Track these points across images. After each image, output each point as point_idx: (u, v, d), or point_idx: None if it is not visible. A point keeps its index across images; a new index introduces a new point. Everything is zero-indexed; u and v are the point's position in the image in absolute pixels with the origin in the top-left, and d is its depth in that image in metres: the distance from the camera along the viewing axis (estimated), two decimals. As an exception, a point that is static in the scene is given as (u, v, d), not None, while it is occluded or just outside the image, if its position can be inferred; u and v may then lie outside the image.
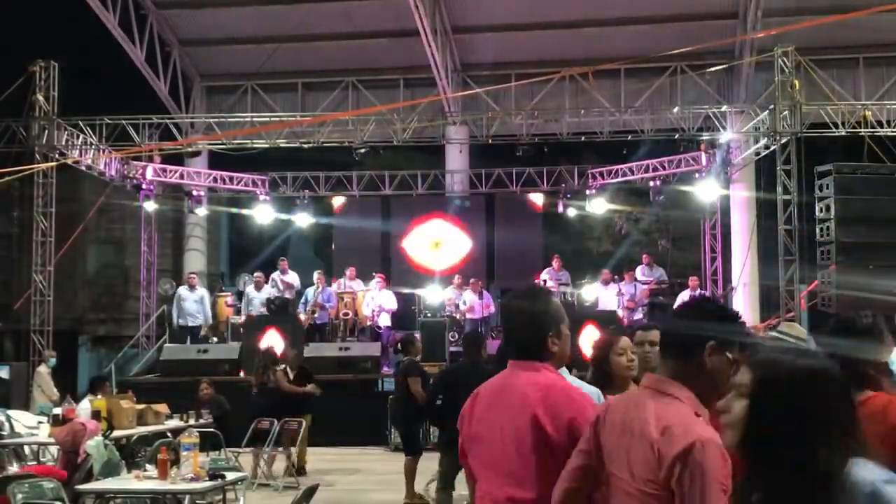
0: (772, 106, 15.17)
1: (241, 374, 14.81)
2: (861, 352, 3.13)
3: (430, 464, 9.21)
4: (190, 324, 16.78)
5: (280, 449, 10.92)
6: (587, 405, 2.80)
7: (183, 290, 16.95)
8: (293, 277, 17.08)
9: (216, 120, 17.77)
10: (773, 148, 15.24)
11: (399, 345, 11.23)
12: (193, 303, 16.80)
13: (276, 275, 16.98)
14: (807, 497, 1.95)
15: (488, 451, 2.93)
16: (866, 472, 1.96)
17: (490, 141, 16.94)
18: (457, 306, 16.12)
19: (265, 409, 11.21)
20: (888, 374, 3.25)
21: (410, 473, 9.65)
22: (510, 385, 2.95)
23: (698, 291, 16.57)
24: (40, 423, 10.46)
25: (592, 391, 3.78)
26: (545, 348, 2.97)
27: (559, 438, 2.75)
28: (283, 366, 11.82)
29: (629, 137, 16.37)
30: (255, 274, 16.94)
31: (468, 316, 16.10)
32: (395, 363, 12.09)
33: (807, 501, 1.95)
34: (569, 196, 18.21)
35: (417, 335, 14.24)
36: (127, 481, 7.22)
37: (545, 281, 16.78)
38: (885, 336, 3.27)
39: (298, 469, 11.39)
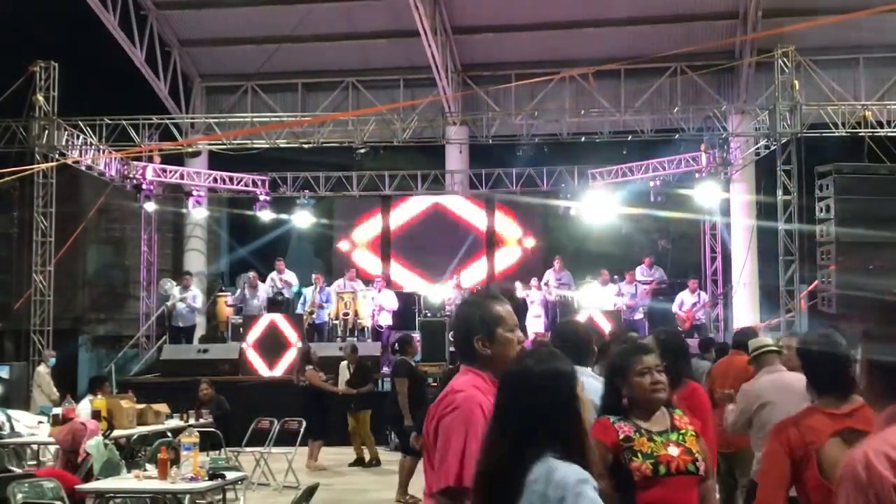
0: (772, 106, 15.18)
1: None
2: (849, 356, 3.17)
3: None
4: (180, 324, 16.83)
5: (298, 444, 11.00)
6: (456, 409, 2.85)
7: (176, 292, 17.01)
8: (291, 276, 17.09)
9: (216, 120, 17.78)
10: (773, 148, 15.25)
11: (396, 344, 11.32)
12: (181, 304, 16.84)
13: (273, 275, 16.98)
14: (502, 479, 2.25)
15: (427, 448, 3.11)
16: (567, 467, 2.20)
17: (490, 141, 16.93)
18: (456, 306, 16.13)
19: (296, 407, 11.65)
20: None
21: (406, 473, 9.67)
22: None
23: (697, 293, 16.59)
24: (40, 423, 10.47)
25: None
26: (474, 351, 3.00)
27: (433, 438, 2.91)
28: (311, 365, 12.29)
29: (629, 137, 16.36)
30: (250, 273, 16.88)
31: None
32: (393, 363, 12.19)
33: (501, 483, 2.25)
34: (569, 196, 18.21)
35: (416, 335, 14.29)
36: (127, 481, 7.22)
37: (547, 282, 16.80)
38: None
39: (371, 461, 12.30)
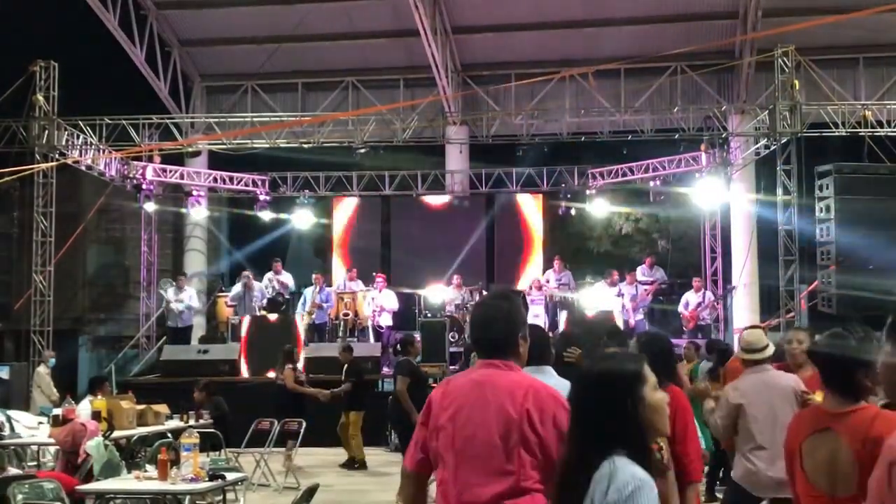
0: (772, 106, 15.17)
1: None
2: (859, 362, 3.25)
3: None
4: (177, 325, 16.83)
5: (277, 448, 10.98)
6: (565, 403, 2.94)
7: (170, 293, 17.02)
8: (287, 278, 17.07)
9: (216, 120, 17.77)
10: (773, 148, 15.23)
11: (399, 345, 11.28)
12: (177, 304, 16.85)
13: (270, 275, 16.95)
14: (571, 475, 2.37)
15: (472, 445, 2.98)
16: (630, 470, 2.28)
17: (490, 141, 16.93)
18: (457, 306, 16.09)
19: (271, 407, 11.48)
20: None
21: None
22: (491, 383, 3.04)
23: (702, 292, 16.56)
24: (40, 423, 10.46)
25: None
26: (516, 347, 3.12)
27: (547, 434, 2.90)
28: (291, 365, 12.12)
29: (629, 137, 16.36)
30: (243, 273, 16.85)
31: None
32: (394, 363, 12.12)
33: (570, 478, 2.37)
34: (569, 196, 18.19)
35: (417, 336, 14.27)
36: (127, 482, 7.21)
37: (547, 281, 16.79)
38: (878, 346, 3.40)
39: (360, 463, 12.08)
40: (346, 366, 12.58)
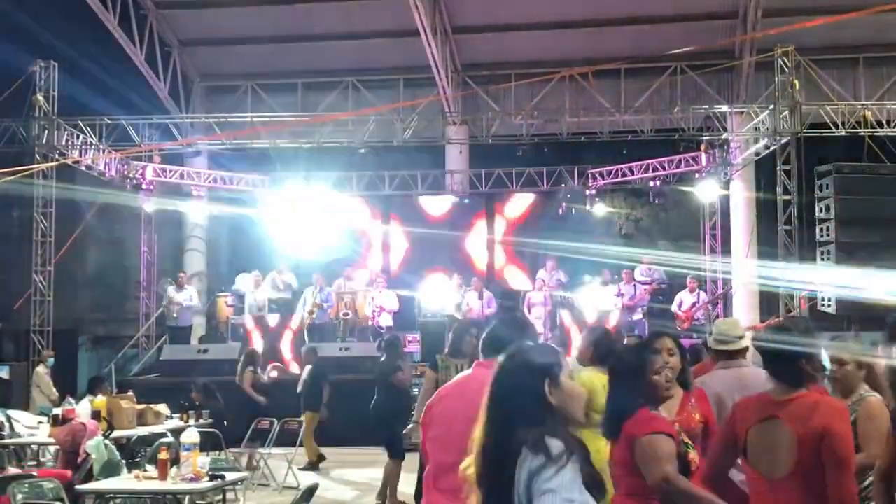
0: (772, 106, 15.17)
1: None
2: (800, 349, 3.35)
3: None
4: (178, 325, 16.84)
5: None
6: None
7: (171, 291, 17.04)
8: (290, 277, 17.09)
9: (216, 120, 17.75)
10: (773, 148, 15.24)
11: (382, 343, 11.05)
12: (176, 305, 16.90)
13: (273, 274, 16.97)
14: (494, 465, 2.39)
15: (446, 436, 3.13)
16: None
17: (490, 141, 16.92)
18: (456, 307, 16.08)
19: (228, 408, 11.42)
20: (821, 370, 3.56)
21: (394, 477, 9.61)
22: (474, 379, 3.21)
23: (697, 292, 16.56)
24: (40, 423, 10.47)
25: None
26: None
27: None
28: (252, 367, 11.87)
29: (629, 137, 16.36)
30: (254, 272, 16.89)
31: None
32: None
33: (495, 463, 2.39)
34: (569, 196, 18.19)
35: (417, 336, 14.24)
36: (127, 481, 7.22)
37: (543, 281, 16.77)
38: (818, 336, 3.53)
39: (313, 464, 11.92)
40: (311, 367, 12.38)
